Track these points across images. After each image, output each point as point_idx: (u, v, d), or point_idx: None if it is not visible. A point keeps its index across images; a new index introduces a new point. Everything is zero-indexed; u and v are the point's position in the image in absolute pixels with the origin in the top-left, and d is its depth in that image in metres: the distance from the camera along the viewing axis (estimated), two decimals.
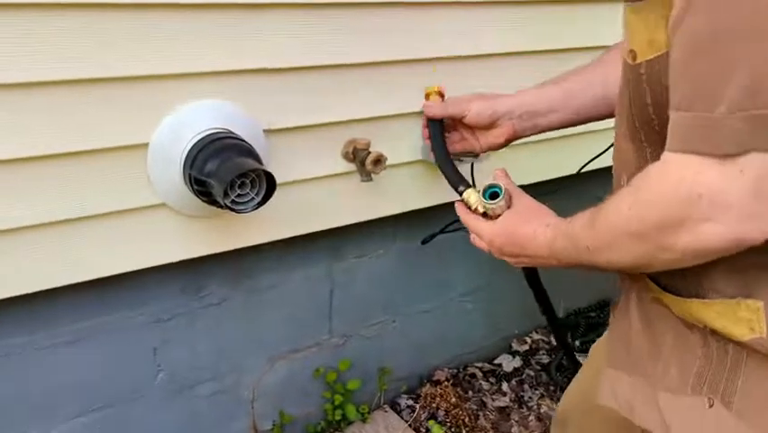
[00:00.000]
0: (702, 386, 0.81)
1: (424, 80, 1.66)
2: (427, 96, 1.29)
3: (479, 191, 1.02)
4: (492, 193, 0.98)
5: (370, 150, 1.62)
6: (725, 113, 0.57)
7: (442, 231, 1.91)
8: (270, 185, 1.33)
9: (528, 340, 2.50)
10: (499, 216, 0.98)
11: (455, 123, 1.22)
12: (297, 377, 1.91)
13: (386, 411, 2.16)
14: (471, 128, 1.20)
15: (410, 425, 2.10)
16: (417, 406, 2.16)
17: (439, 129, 1.21)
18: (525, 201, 0.98)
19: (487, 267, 2.23)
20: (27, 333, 1.46)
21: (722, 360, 0.79)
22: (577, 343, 2.44)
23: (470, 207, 1.05)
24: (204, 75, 1.36)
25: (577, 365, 1.83)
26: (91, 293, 1.48)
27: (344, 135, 1.62)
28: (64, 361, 1.52)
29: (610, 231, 0.75)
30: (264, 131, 1.48)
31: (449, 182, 1.13)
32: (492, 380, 2.31)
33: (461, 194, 1.07)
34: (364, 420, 2.09)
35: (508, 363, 2.38)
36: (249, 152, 1.37)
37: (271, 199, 1.32)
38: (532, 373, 2.35)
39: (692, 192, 0.61)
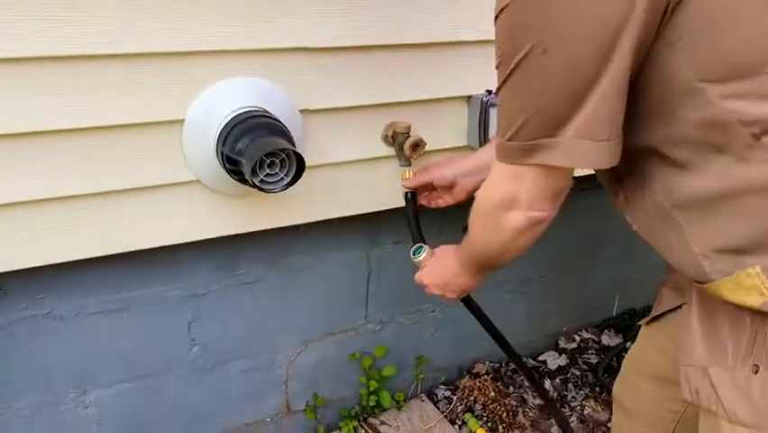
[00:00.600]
0: (749, 358, 0.90)
1: (470, 62, 1.61)
2: (404, 177, 1.59)
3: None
4: (419, 251, 1.45)
5: (410, 134, 1.58)
6: (507, 140, 0.86)
7: None
8: (300, 166, 1.31)
9: (577, 338, 2.40)
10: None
11: (431, 187, 1.55)
12: (331, 360, 1.91)
13: (422, 400, 2.13)
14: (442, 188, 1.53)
15: (446, 416, 2.07)
16: (455, 398, 2.12)
17: (412, 199, 1.58)
18: (441, 247, 1.40)
19: (538, 260, 2.16)
20: (70, 301, 1.51)
21: (763, 331, 0.88)
22: (628, 344, 2.33)
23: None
24: (242, 53, 1.35)
25: (548, 399, 1.77)
26: (132, 266, 1.51)
27: (385, 118, 1.59)
28: (104, 329, 1.56)
29: (471, 229, 1.09)
30: (301, 111, 1.46)
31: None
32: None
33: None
34: (399, 408, 2.07)
35: (553, 360, 2.30)
36: (281, 131, 1.36)
37: (309, 181, 1.32)
38: (578, 373, 2.26)
39: (500, 192, 0.95)
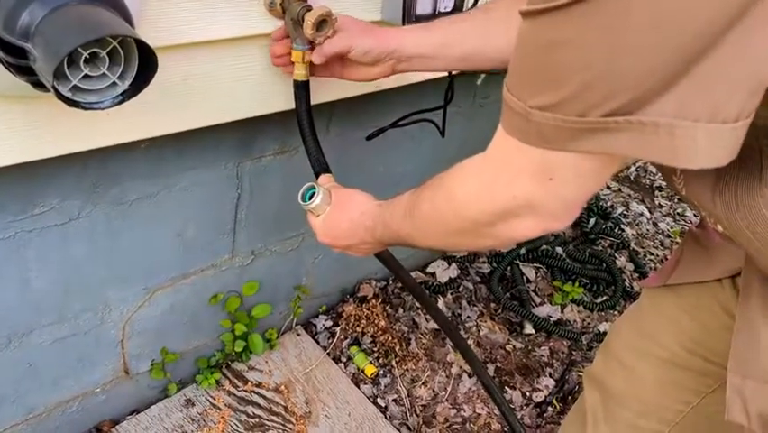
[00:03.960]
0: None
1: None
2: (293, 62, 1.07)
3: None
4: (311, 194, 0.98)
5: (310, 3, 1.04)
6: (543, 108, 0.52)
7: (393, 125, 1.40)
8: (146, 63, 0.74)
9: None
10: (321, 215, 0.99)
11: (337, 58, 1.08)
12: (184, 307, 1.42)
13: (298, 335, 1.74)
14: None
15: (329, 353, 1.71)
16: (338, 329, 1.76)
17: (303, 92, 1.08)
18: (340, 194, 0.98)
19: (433, 165, 1.77)
20: None
21: None
22: (523, 250, 2.10)
23: None
24: None
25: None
26: None
27: None
28: None
29: (429, 223, 0.77)
30: None
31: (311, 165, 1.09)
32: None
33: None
34: (272, 346, 1.67)
35: (443, 271, 2.01)
36: None
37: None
38: (470, 286, 1.99)
39: (510, 194, 0.62)
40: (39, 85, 0.75)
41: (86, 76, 0.72)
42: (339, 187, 1.01)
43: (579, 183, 0.59)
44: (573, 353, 1.85)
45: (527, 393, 1.73)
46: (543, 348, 1.84)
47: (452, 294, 1.96)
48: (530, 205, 0.62)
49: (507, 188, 0.62)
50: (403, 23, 1.19)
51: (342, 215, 0.96)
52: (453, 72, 1.30)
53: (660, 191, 2.72)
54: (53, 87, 0.69)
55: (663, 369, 1.00)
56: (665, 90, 0.47)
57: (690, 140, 0.48)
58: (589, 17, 0.46)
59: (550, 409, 1.70)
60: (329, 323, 1.78)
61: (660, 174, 2.74)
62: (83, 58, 0.70)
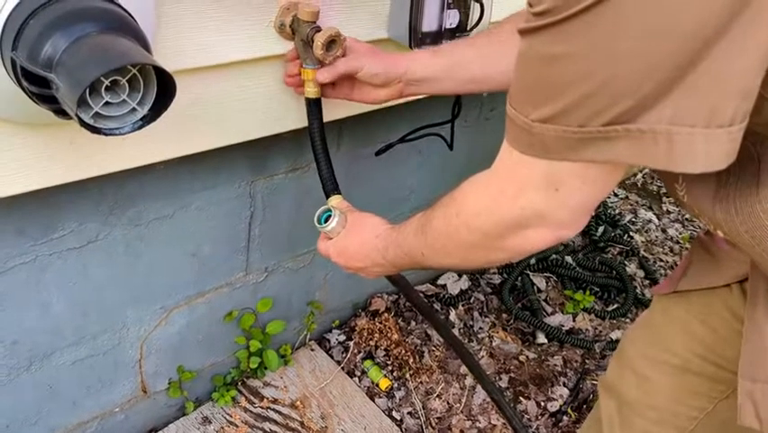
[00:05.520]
0: None
1: None
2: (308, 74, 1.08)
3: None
4: (326, 217, 1.00)
5: (319, 24, 1.06)
6: (545, 121, 0.55)
7: (402, 140, 1.43)
8: (164, 87, 0.77)
9: None
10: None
11: (347, 79, 1.10)
12: (200, 326, 1.43)
13: (312, 350, 1.76)
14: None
15: (343, 367, 1.72)
16: (351, 343, 1.77)
17: (315, 109, 1.09)
18: (355, 217, 1.00)
19: (441, 178, 1.78)
20: None
21: None
22: (533, 260, 2.11)
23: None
24: None
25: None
26: None
27: None
28: None
29: (441, 238, 0.78)
30: None
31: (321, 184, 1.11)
32: (437, 305, 1.95)
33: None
34: (286, 362, 1.68)
35: (454, 283, 2.02)
36: (122, 22, 0.78)
37: None
38: (481, 297, 2.00)
39: (517, 205, 0.64)
40: (60, 112, 0.78)
41: (106, 103, 0.75)
42: (354, 210, 1.04)
43: (585, 191, 0.61)
44: (587, 361, 1.86)
45: (542, 403, 1.73)
46: (556, 357, 1.85)
47: (463, 306, 1.97)
48: (539, 215, 0.64)
49: (515, 201, 0.64)
50: (409, 41, 1.21)
51: (356, 237, 0.98)
52: None
53: (667, 197, 2.73)
54: (76, 115, 0.71)
55: (676, 376, 1.00)
56: (661, 97, 0.49)
57: (688, 145, 0.50)
58: (585, 31, 0.49)
59: (565, 418, 1.70)
60: (342, 337, 1.79)
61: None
62: (104, 86, 0.73)
